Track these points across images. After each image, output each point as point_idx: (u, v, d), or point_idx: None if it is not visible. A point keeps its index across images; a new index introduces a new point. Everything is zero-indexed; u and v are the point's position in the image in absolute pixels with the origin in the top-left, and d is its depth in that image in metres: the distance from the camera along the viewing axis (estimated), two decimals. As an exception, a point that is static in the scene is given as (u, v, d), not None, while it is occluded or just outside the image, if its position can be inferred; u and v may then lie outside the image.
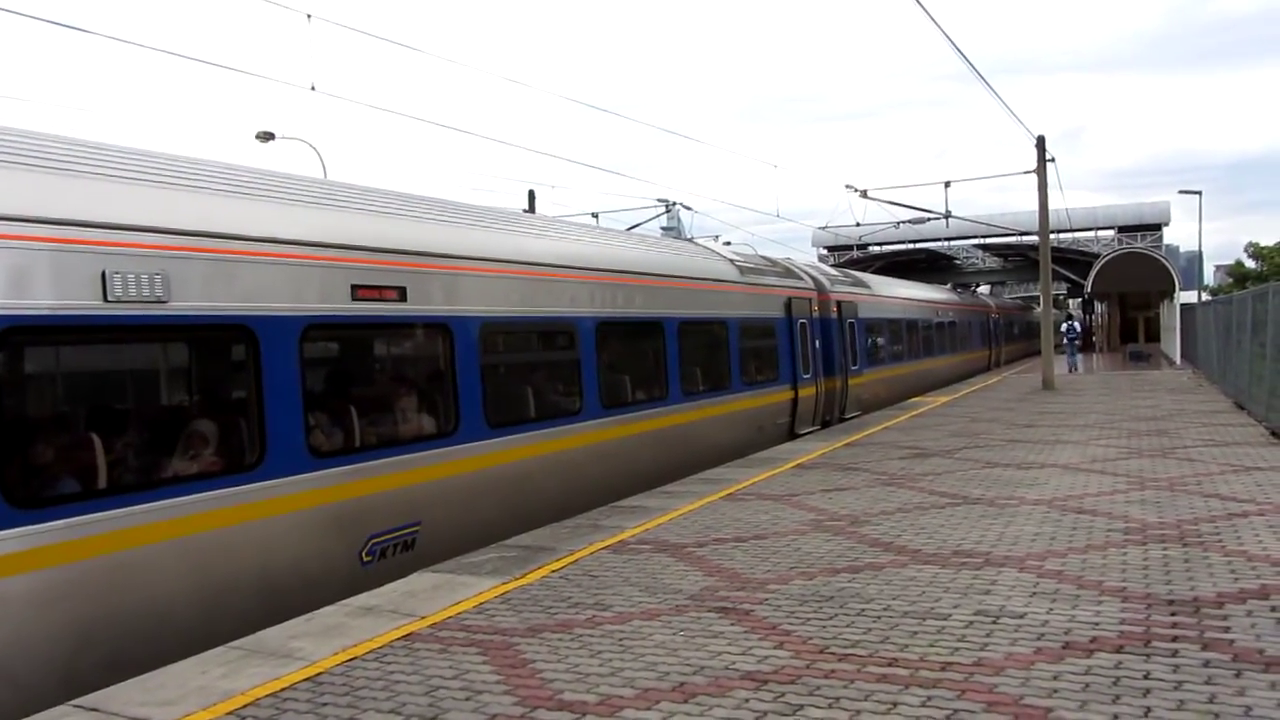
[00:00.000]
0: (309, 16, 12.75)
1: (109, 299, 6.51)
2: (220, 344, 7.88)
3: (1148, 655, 5.15)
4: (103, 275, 6.49)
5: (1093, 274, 40.60)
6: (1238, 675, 4.80)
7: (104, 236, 6.56)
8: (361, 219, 9.04)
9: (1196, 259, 61.33)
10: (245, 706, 5.10)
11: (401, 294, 8.97)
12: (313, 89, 13.75)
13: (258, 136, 29.92)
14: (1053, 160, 26.69)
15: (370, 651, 5.92)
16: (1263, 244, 69.53)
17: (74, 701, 5.28)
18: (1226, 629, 5.50)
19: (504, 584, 7.37)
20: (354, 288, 8.47)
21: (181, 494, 6.84)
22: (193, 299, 7.09)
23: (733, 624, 6.08)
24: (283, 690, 5.31)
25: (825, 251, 66.60)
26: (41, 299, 6.17)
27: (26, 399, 6.45)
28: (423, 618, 6.58)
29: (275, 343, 7.64)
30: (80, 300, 6.37)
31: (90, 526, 6.23)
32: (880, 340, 25.14)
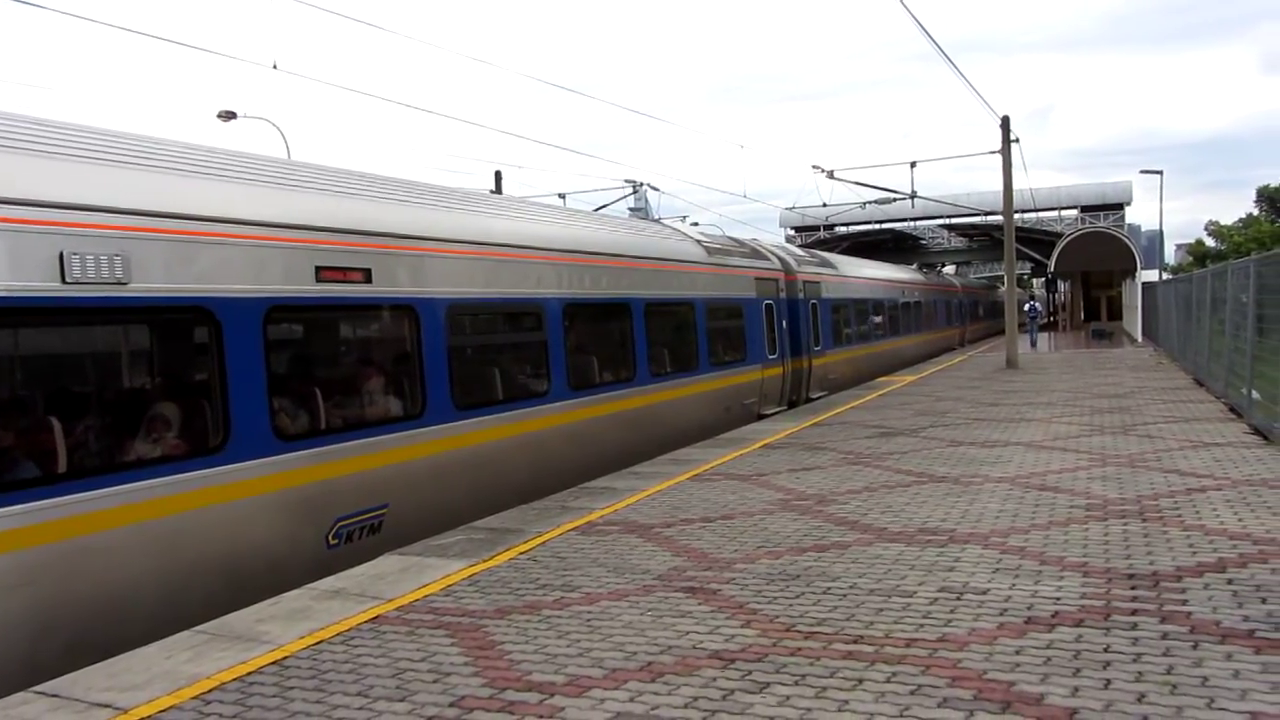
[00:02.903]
0: (270, -6, 12.56)
1: (67, 280, 6.41)
2: (182, 326, 7.78)
3: (1108, 629, 5.23)
4: (61, 256, 6.39)
5: (1056, 253, 40.91)
6: (1195, 647, 4.89)
7: (62, 217, 6.46)
8: (325, 200, 8.95)
9: (1158, 238, 62.16)
10: (211, 691, 5.07)
11: (366, 275, 8.90)
12: (275, 67, 13.58)
13: (219, 115, 29.51)
14: (1017, 141, 26.89)
15: (337, 635, 5.90)
16: (1223, 223, 70.58)
17: (35, 688, 5.23)
18: (1184, 602, 5.60)
19: (472, 566, 7.37)
20: (318, 269, 8.39)
21: (144, 478, 6.77)
22: (154, 280, 7.00)
23: (700, 603, 6.12)
24: (249, 674, 5.29)
25: (792, 232, 66.77)
26: None
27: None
28: (390, 600, 6.56)
29: (238, 325, 7.56)
30: (37, 282, 6.27)
31: (51, 511, 6.15)
32: (847, 320, 25.26)
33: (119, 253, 6.75)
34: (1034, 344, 36.00)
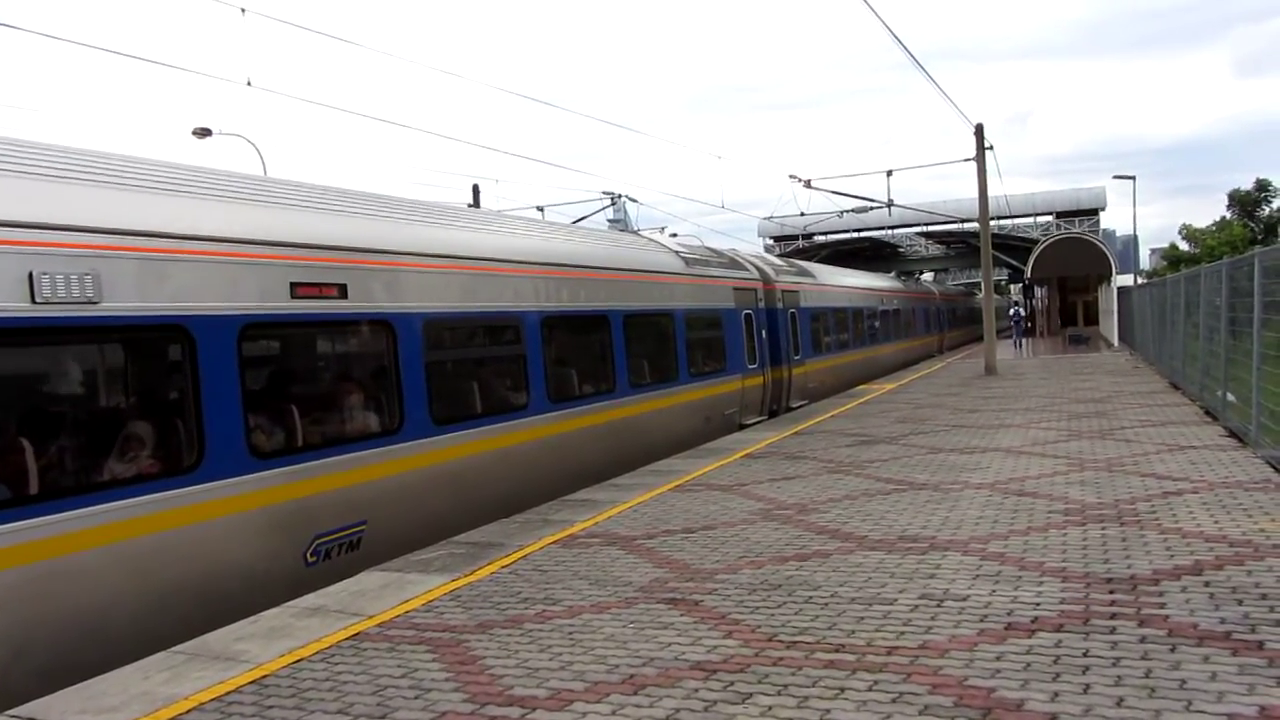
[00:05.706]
0: (244, 10, 12.54)
1: (37, 300, 6.36)
2: (155, 345, 7.72)
3: (1087, 633, 5.25)
4: (30, 276, 6.33)
5: (1032, 259, 41.24)
6: (1173, 650, 4.92)
7: (30, 236, 6.41)
8: (300, 215, 8.92)
9: (1132, 243, 62.67)
10: (189, 712, 5.02)
11: (342, 291, 8.86)
12: (249, 84, 13.53)
13: (194, 133, 29.48)
14: (991, 148, 27.07)
15: (317, 652, 5.85)
16: (1196, 227, 71.04)
17: (9, 711, 5.17)
18: (1162, 605, 5.63)
19: (453, 581, 7.33)
20: (293, 285, 8.35)
21: (119, 498, 6.71)
22: (126, 299, 6.95)
23: (682, 615, 6.10)
24: (228, 694, 5.24)
25: (771, 242, 67.07)
26: None
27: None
28: (371, 617, 6.52)
29: (212, 342, 7.51)
30: (6, 302, 6.21)
31: (24, 533, 6.09)
32: (826, 329, 25.34)
33: (90, 272, 6.70)
34: (1018, 346, 36.82)
